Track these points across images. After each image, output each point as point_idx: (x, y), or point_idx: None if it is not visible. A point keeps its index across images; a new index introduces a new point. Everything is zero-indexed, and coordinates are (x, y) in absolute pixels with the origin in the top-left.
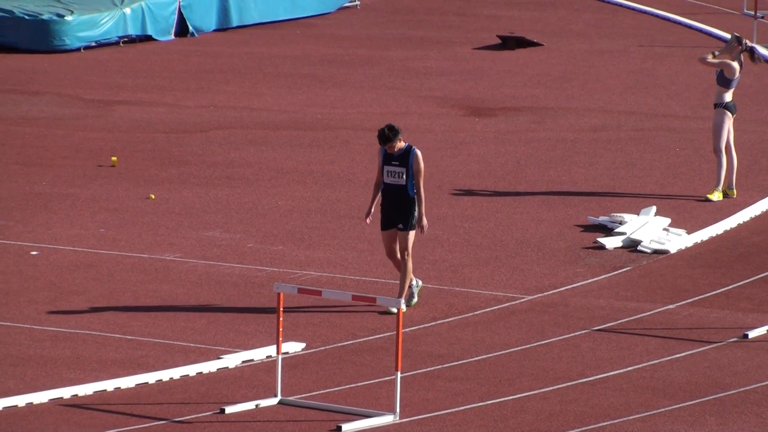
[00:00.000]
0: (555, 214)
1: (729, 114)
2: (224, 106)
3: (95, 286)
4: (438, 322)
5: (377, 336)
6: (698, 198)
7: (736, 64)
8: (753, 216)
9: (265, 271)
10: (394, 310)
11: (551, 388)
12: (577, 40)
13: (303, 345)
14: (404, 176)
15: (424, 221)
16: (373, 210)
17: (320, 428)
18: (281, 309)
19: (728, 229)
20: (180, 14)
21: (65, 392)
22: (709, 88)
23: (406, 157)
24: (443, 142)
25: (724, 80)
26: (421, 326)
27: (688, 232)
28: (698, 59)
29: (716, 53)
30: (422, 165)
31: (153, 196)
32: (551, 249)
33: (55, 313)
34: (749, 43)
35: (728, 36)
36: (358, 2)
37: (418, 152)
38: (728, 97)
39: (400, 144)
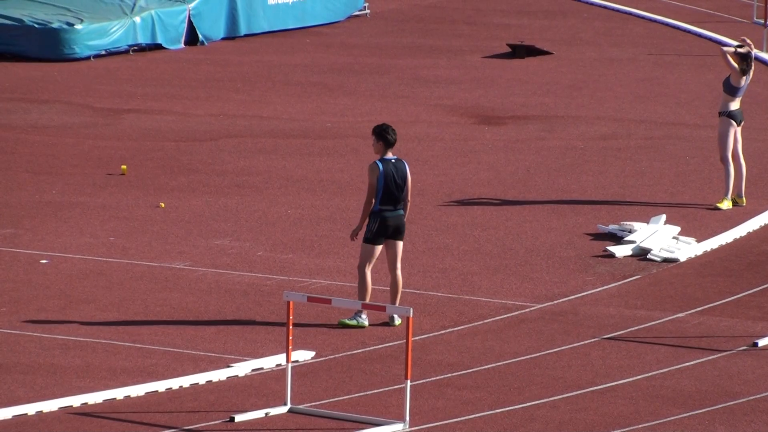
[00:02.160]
0: (565, 223)
1: (733, 122)
2: (234, 115)
3: (105, 295)
4: (447, 330)
5: (387, 344)
6: (708, 206)
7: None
8: (763, 224)
9: (275, 279)
10: (363, 323)
11: (561, 397)
12: (586, 49)
13: (312, 353)
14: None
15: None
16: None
17: None
18: (291, 317)
19: (738, 237)
20: (190, 23)
21: (75, 401)
22: (718, 97)
23: None
24: (453, 150)
25: (730, 88)
26: (431, 335)
27: (698, 241)
28: (722, 49)
29: (738, 51)
30: (368, 178)
31: (163, 205)
32: (561, 257)
33: (65, 322)
34: (747, 50)
35: (735, 43)
36: (367, 11)
37: (370, 165)
38: (733, 105)
39: (381, 153)
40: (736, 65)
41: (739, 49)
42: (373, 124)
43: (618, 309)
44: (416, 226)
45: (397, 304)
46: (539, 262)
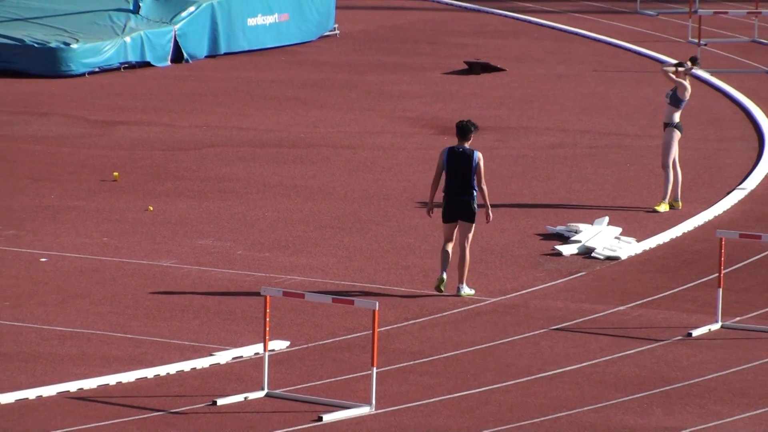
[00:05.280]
0: (516, 224)
1: (678, 133)
2: (216, 126)
3: (99, 290)
4: (410, 322)
5: (355, 335)
6: (647, 209)
7: (689, 86)
8: (696, 226)
9: (253, 276)
10: (469, 292)
11: (513, 382)
12: (536, 66)
13: (287, 343)
14: None
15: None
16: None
17: (303, 419)
18: (268, 310)
19: (674, 237)
20: (176, 42)
21: (71, 386)
22: (656, 109)
23: None
24: (415, 158)
25: (677, 100)
26: (395, 326)
27: (638, 240)
28: (662, 68)
29: (679, 69)
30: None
31: (151, 208)
32: (513, 256)
33: (62, 314)
34: (689, 65)
35: (671, 60)
36: (337, 31)
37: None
38: (678, 117)
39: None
40: (682, 80)
41: (679, 68)
42: (342, 134)
43: (565, 302)
44: (381, 227)
45: (461, 277)
46: (493, 260)
